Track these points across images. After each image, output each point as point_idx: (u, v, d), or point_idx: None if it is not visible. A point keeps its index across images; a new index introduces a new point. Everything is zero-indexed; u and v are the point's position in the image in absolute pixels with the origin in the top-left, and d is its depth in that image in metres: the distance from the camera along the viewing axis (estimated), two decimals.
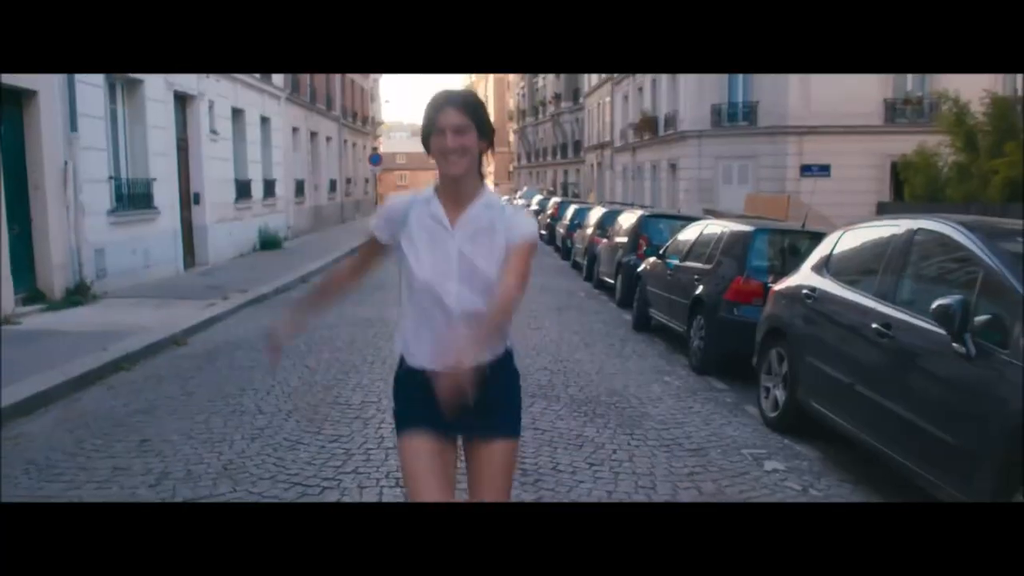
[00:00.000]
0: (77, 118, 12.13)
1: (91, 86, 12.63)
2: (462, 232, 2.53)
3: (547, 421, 5.95)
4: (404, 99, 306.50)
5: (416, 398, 2.54)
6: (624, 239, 13.14)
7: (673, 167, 27.82)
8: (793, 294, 5.93)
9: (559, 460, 5.07)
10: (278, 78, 24.61)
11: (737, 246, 7.92)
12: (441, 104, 2.49)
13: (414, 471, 2.53)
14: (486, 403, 2.47)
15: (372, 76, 50.68)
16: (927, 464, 3.98)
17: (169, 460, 4.99)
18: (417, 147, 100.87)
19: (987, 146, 12.87)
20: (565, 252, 21.53)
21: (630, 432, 5.76)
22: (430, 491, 2.48)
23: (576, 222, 20.22)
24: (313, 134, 30.65)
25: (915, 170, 14.97)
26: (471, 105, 2.51)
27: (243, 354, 8.51)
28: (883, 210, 15.02)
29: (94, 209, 12.63)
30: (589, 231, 17.07)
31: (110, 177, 13.45)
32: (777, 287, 6.37)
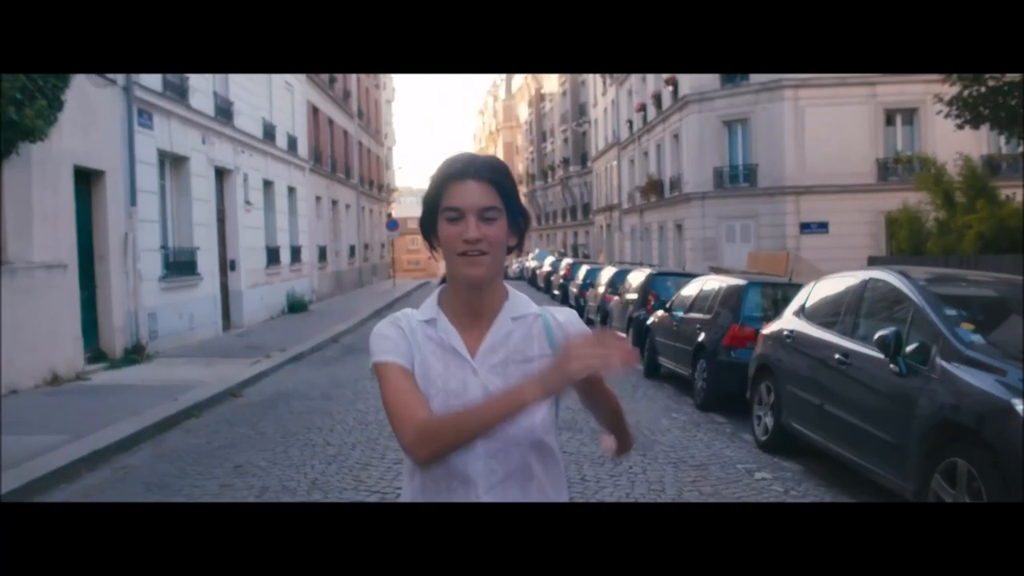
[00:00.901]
0: (136, 194, 13.45)
1: (147, 164, 13.99)
2: (487, 361, 1.78)
3: (573, 447, 7.02)
4: (414, 164, 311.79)
5: None
6: (634, 296, 14.28)
7: (679, 227, 29.11)
8: (776, 336, 7.05)
9: (585, 473, 6.14)
10: (303, 150, 26.10)
11: (732, 298, 9.07)
12: (460, 173, 1.71)
13: None
14: None
15: (387, 144, 52.52)
16: (873, 459, 5.05)
17: (264, 479, 6.07)
18: None
19: (962, 203, 14.10)
20: (579, 310, 22.64)
21: (643, 453, 6.83)
22: None
23: (588, 282, 21.38)
24: (334, 202, 32.11)
25: (899, 226, 16.18)
26: (502, 178, 1.73)
27: (298, 402, 9.60)
28: (873, 263, 16.12)
29: (148, 276, 13.86)
30: (601, 289, 18.23)
31: (161, 246, 14.73)
32: (764, 331, 7.48)
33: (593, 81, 48.55)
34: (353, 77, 37.38)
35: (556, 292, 29.43)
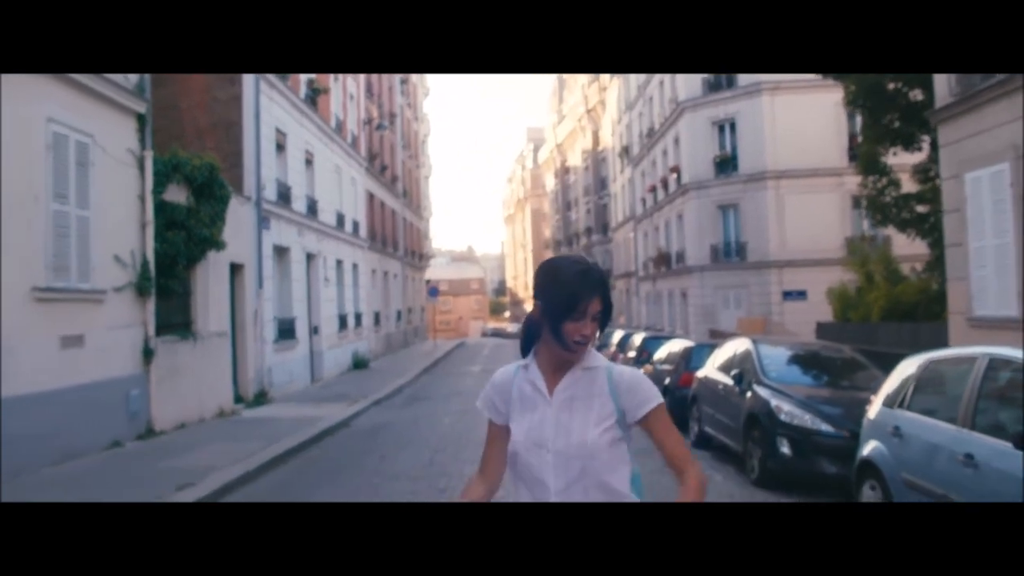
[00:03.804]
0: (263, 279, 18.30)
1: (267, 257, 18.86)
2: (559, 397, 2.48)
3: None
4: (447, 229, 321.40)
5: None
6: (632, 353, 18.88)
7: (684, 295, 33.73)
8: (700, 378, 11.63)
9: None
10: (363, 231, 31.03)
11: (687, 354, 13.62)
12: (591, 291, 2.42)
13: None
14: None
15: (425, 216, 57.65)
16: (728, 436, 9.55)
17: (408, 463, 10.59)
18: (458, 274, 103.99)
19: (878, 282, 18.55)
20: None
21: (633, 452, 11.32)
22: None
23: (602, 343, 25.98)
24: (385, 273, 37.01)
25: (835, 297, 20.63)
26: (607, 292, 2.49)
27: (396, 429, 14.15)
28: (820, 329, 20.58)
29: (268, 340, 18.62)
30: (611, 349, 22.86)
31: (274, 318, 19.51)
32: (696, 375, 12.04)
33: (612, 160, 53.58)
34: (399, 160, 42.60)
35: None
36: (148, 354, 12.46)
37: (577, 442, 2.42)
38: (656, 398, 2.52)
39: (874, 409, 6.47)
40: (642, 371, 15.21)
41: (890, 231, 25.31)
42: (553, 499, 2.43)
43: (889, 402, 6.23)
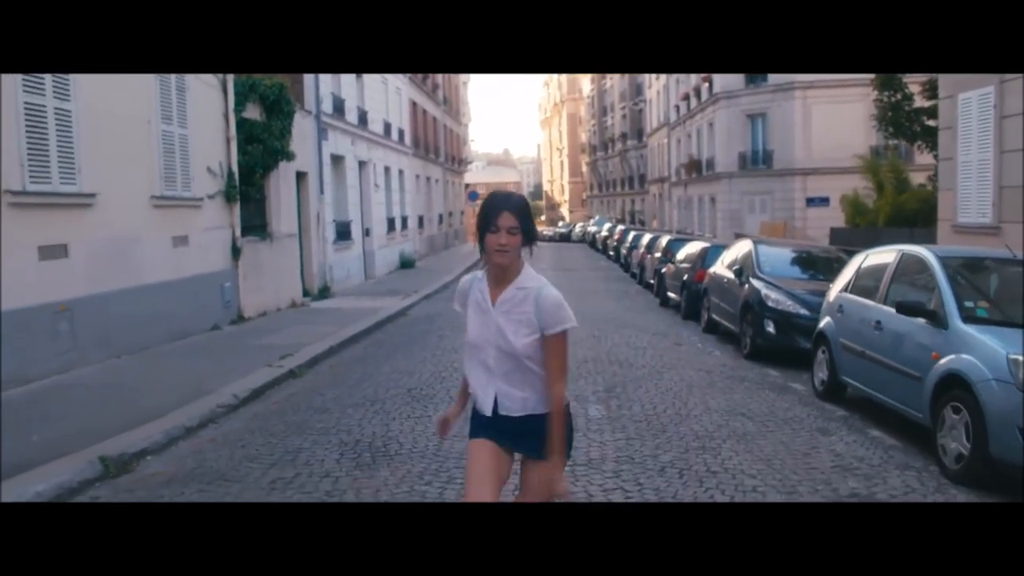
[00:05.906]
0: (324, 186, 20.24)
1: (326, 165, 20.74)
2: (499, 308, 3.16)
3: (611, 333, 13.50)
4: (485, 133, 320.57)
5: (480, 422, 3.32)
6: (659, 254, 20.71)
7: (712, 200, 35.22)
8: (710, 274, 13.49)
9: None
10: (408, 139, 32.73)
11: (702, 254, 15.45)
12: (500, 207, 3.05)
13: (474, 465, 3.26)
14: (537, 438, 3.20)
15: (464, 122, 58.86)
16: (728, 320, 11.47)
17: (462, 341, 12.66)
18: (495, 177, 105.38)
19: (888, 190, 20.00)
20: (624, 265, 29.18)
21: (652, 334, 13.27)
22: (480, 482, 3.19)
23: (633, 245, 27.85)
24: (427, 179, 38.75)
25: (847, 204, 22.10)
26: (523, 211, 3.09)
27: (448, 317, 16.11)
28: (833, 233, 22.21)
29: (328, 240, 20.67)
30: (641, 250, 24.70)
31: (333, 220, 21.51)
32: (708, 271, 13.89)
33: None
34: None
35: (611, 253, 35.73)
36: (236, 252, 14.52)
37: (510, 345, 3.16)
38: (561, 324, 3.14)
39: (832, 294, 8.34)
40: (666, 268, 17.13)
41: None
42: (498, 381, 3.24)
43: (840, 288, 8.10)
